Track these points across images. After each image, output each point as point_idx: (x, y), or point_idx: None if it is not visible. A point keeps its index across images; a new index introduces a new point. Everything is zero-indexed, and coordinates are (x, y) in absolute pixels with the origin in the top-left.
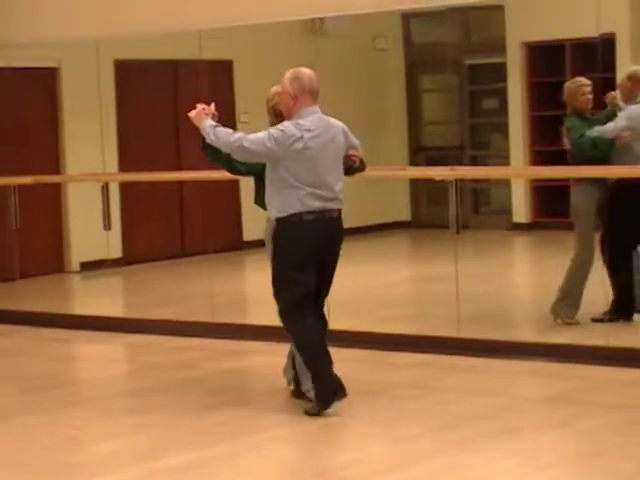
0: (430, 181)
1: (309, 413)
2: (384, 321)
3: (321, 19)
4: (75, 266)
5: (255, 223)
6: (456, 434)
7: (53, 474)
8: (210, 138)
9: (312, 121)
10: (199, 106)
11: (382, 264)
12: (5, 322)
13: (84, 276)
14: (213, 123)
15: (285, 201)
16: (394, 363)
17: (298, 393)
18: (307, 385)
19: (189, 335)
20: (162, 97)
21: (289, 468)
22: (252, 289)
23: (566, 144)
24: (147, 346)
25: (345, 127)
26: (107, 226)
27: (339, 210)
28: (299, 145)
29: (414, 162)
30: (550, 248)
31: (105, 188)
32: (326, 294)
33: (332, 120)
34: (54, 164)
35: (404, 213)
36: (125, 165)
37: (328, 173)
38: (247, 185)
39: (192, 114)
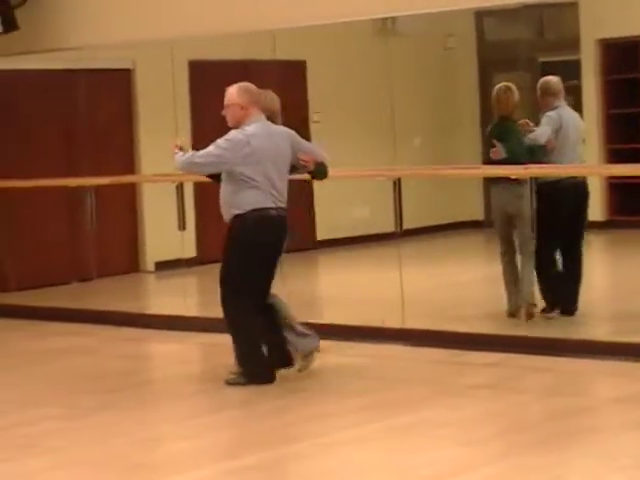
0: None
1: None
2: (458, 320)
3: (393, 18)
4: (150, 266)
5: (329, 223)
6: (531, 435)
7: (127, 473)
8: (175, 164)
9: (256, 127)
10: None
11: (455, 263)
12: (82, 321)
13: (159, 276)
14: (175, 153)
15: (244, 199)
16: (469, 363)
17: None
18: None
19: None
20: None
21: (362, 468)
22: (325, 288)
23: (498, 154)
24: (221, 345)
25: (291, 132)
26: (182, 226)
27: (286, 210)
28: (247, 150)
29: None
30: (626, 247)
31: (180, 188)
32: (269, 288)
33: (275, 126)
34: (129, 165)
35: (477, 212)
36: None
37: (275, 175)
38: (321, 185)
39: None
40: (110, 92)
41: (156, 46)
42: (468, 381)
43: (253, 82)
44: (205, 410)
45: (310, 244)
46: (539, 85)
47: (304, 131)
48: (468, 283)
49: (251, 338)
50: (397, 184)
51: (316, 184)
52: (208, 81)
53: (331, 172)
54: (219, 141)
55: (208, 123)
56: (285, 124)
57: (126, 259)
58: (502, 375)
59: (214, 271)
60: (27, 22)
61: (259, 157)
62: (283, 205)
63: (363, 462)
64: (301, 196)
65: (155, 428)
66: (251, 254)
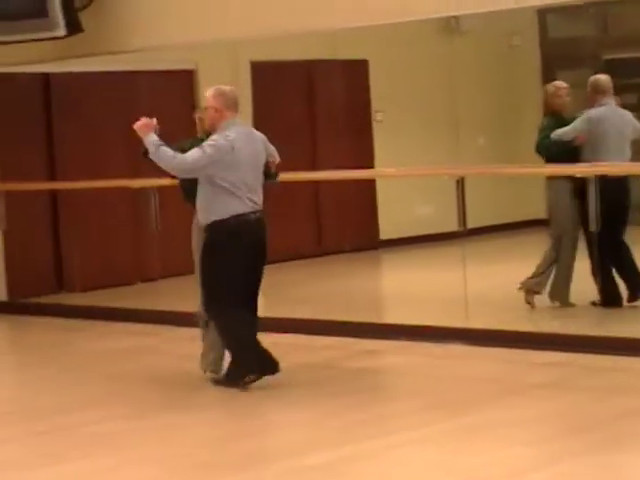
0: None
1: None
2: (522, 319)
3: (456, 17)
4: None
5: (392, 222)
6: (595, 435)
7: (192, 472)
8: (153, 154)
9: (237, 132)
10: (143, 119)
11: (519, 262)
12: (146, 321)
13: None
14: (157, 141)
15: (223, 206)
16: (533, 362)
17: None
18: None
19: (326, 334)
20: (298, 98)
21: (426, 468)
22: (388, 288)
23: None
24: (285, 345)
25: (264, 137)
26: None
27: (262, 211)
28: (230, 155)
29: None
30: None
31: None
32: (258, 289)
33: (253, 130)
34: None
35: (541, 211)
36: None
37: (253, 178)
38: (384, 184)
39: (137, 126)
40: (173, 93)
41: (218, 47)
42: (532, 380)
43: (316, 82)
44: (270, 409)
45: (373, 243)
46: (589, 82)
47: (367, 131)
48: None
49: (243, 339)
50: (460, 183)
51: (379, 182)
52: (271, 81)
53: (396, 171)
54: (206, 147)
55: (270, 123)
56: (348, 124)
57: (189, 260)
58: (566, 374)
59: (277, 272)
60: (91, 24)
61: (240, 163)
62: (260, 208)
63: (425, 463)
64: (363, 195)
65: (219, 427)
66: (232, 259)
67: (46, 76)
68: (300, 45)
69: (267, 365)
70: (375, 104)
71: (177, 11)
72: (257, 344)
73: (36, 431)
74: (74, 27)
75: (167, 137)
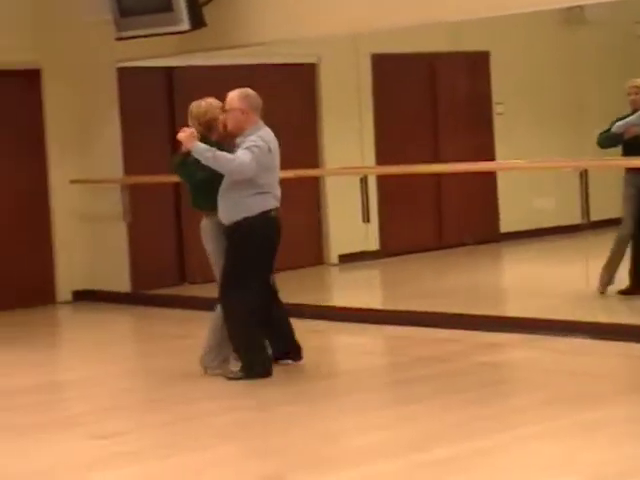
0: None
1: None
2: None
3: (580, 7)
4: (334, 259)
5: (513, 215)
6: None
7: (309, 465)
8: (208, 159)
9: (267, 133)
10: (186, 129)
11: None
12: None
13: (342, 268)
14: (208, 147)
15: (254, 203)
16: None
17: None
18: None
19: (447, 327)
20: (419, 90)
21: (547, 463)
22: (509, 281)
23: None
24: (405, 338)
25: None
26: (366, 219)
27: (279, 208)
28: (268, 156)
29: None
30: None
31: (364, 181)
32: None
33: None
34: (314, 158)
35: None
36: (383, 158)
37: (277, 178)
38: (504, 176)
39: (182, 137)
40: (295, 86)
41: (340, 40)
42: None
43: (436, 74)
44: (391, 402)
45: (494, 236)
46: None
47: (488, 123)
48: None
49: (255, 332)
50: (584, 175)
51: (500, 175)
52: (391, 74)
53: (519, 163)
54: (253, 149)
55: (391, 116)
56: (469, 116)
57: (311, 252)
58: None
59: (397, 264)
60: (214, 19)
61: (275, 164)
62: (278, 205)
63: (548, 457)
64: (484, 188)
65: (342, 420)
66: (258, 252)
67: (170, 70)
68: (421, 37)
69: (270, 364)
70: (496, 96)
71: (299, 4)
72: (263, 345)
73: (158, 422)
74: (198, 21)
75: (288, 129)
